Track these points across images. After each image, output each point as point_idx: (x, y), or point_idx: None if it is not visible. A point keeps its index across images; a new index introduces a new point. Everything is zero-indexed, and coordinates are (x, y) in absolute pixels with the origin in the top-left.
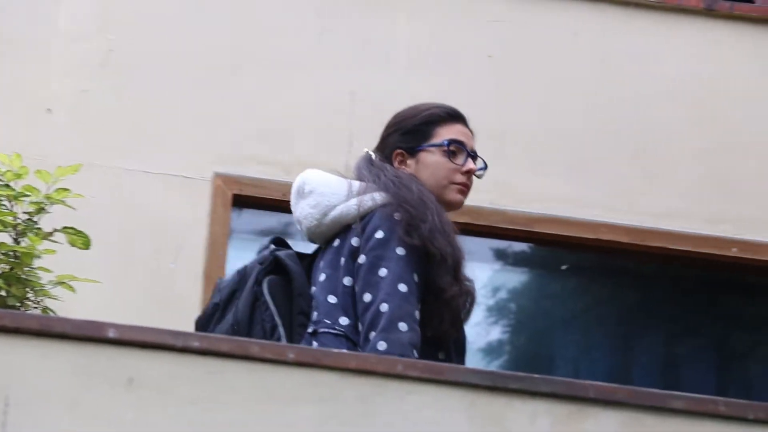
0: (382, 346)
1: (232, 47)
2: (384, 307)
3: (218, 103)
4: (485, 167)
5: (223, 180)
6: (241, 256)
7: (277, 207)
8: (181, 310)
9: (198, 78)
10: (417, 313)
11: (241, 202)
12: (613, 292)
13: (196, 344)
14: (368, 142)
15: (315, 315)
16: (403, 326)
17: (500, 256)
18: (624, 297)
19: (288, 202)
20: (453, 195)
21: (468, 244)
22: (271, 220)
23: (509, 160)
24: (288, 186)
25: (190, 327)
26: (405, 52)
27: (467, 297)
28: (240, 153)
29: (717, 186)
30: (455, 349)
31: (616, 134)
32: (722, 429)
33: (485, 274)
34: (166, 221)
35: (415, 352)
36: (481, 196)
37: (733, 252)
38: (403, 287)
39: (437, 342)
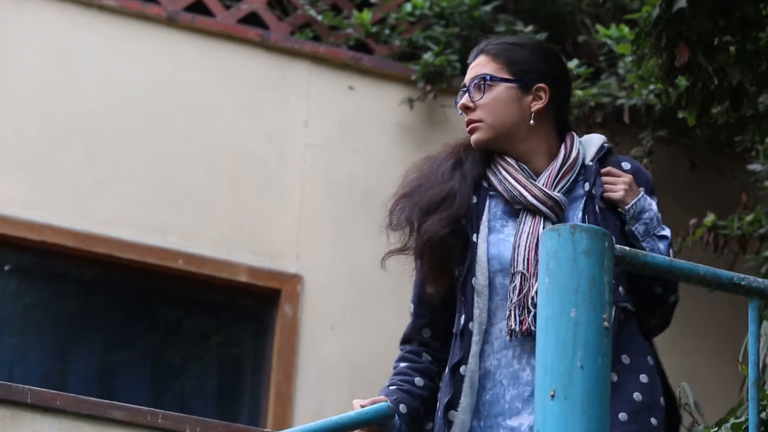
0: None
1: None
2: None
3: None
4: (465, 90)
5: None
6: None
7: None
8: None
9: None
10: (411, 305)
11: None
12: (54, 297)
13: None
14: None
15: None
16: None
17: None
18: (65, 302)
19: None
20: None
21: None
22: None
23: None
24: None
25: None
26: None
27: (420, 238)
28: None
29: (166, 197)
30: None
31: (70, 135)
32: None
33: None
34: None
35: (402, 347)
36: None
37: (179, 264)
38: None
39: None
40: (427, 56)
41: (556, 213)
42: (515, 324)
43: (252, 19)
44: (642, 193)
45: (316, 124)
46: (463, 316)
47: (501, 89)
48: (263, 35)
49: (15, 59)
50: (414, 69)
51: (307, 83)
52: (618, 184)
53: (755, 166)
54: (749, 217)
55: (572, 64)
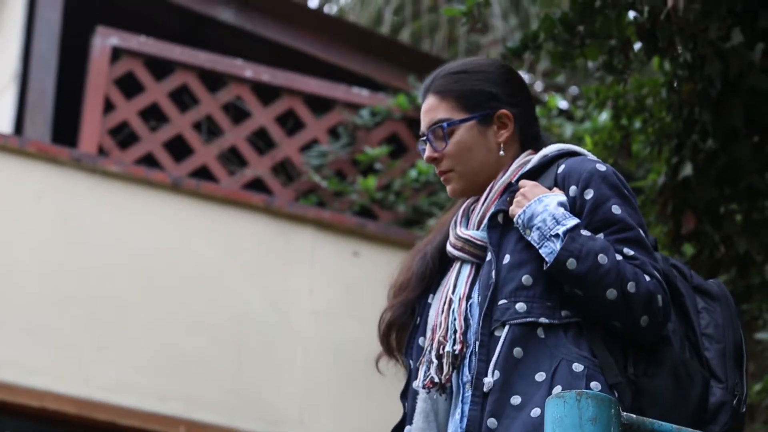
0: None
1: None
2: None
3: None
4: (424, 138)
5: None
6: None
7: None
8: None
9: None
10: None
11: None
12: None
13: None
14: None
15: None
16: None
17: None
18: None
19: None
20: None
21: None
22: None
23: None
24: None
25: None
26: None
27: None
28: None
29: (168, 362)
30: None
31: (71, 300)
32: None
33: None
34: None
35: None
36: None
37: (182, 431)
38: None
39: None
40: (432, 222)
41: (469, 252)
42: (420, 382)
43: (256, 185)
44: (539, 196)
45: (321, 290)
46: (408, 379)
47: (462, 131)
48: (267, 201)
49: (19, 223)
50: (419, 235)
51: (312, 249)
52: (515, 198)
53: (763, 335)
54: (758, 387)
55: None
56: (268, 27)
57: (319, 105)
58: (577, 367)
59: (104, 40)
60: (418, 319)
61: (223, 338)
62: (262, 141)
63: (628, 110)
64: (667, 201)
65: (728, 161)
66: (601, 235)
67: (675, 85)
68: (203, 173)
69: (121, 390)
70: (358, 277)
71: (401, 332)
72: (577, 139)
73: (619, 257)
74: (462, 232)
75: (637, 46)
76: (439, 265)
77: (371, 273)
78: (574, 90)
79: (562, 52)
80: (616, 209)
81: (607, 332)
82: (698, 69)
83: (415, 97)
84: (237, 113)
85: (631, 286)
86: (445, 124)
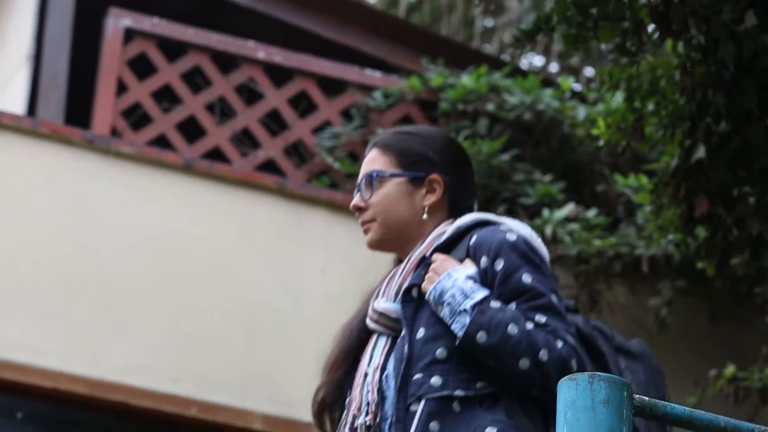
0: None
1: None
2: None
3: None
4: (358, 189)
5: None
6: None
7: None
8: None
9: None
10: None
11: None
12: None
13: None
14: None
15: None
16: None
17: None
18: None
19: None
20: None
21: None
22: None
23: None
24: None
25: None
26: None
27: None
28: None
29: (180, 344)
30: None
31: (84, 282)
32: None
33: None
34: None
35: None
36: None
37: (193, 412)
38: None
39: None
40: None
41: (384, 325)
42: None
43: (269, 167)
44: (448, 271)
45: (333, 271)
46: None
47: (391, 185)
48: (280, 183)
49: (31, 204)
50: None
51: (324, 230)
52: (427, 275)
53: None
54: None
55: (591, 213)
56: (280, 8)
57: (332, 87)
58: (491, 430)
59: (117, 21)
60: (348, 392)
61: (235, 320)
62: (274, 123)
63: (642, 93)
64: (680, 184)
65: (741, 144)
66: (513, 305)
67: (688, 67)
68: (216, 155)
69: (134, 371)
70: (371, 258)
71: (333, 412)
72: (591, 122)
73: (530, 326)
74: (378, 305)
75: (651, 28)
76: (365, 338)
77: (383, 255)
78: (589, 71)
79: (575, 34)
80: (526, 278)
81: (526, 399)
82: (712, 51)
83: (428, 79)
84: (249, 95)
85: (543, 354)
86: (374, 174)
